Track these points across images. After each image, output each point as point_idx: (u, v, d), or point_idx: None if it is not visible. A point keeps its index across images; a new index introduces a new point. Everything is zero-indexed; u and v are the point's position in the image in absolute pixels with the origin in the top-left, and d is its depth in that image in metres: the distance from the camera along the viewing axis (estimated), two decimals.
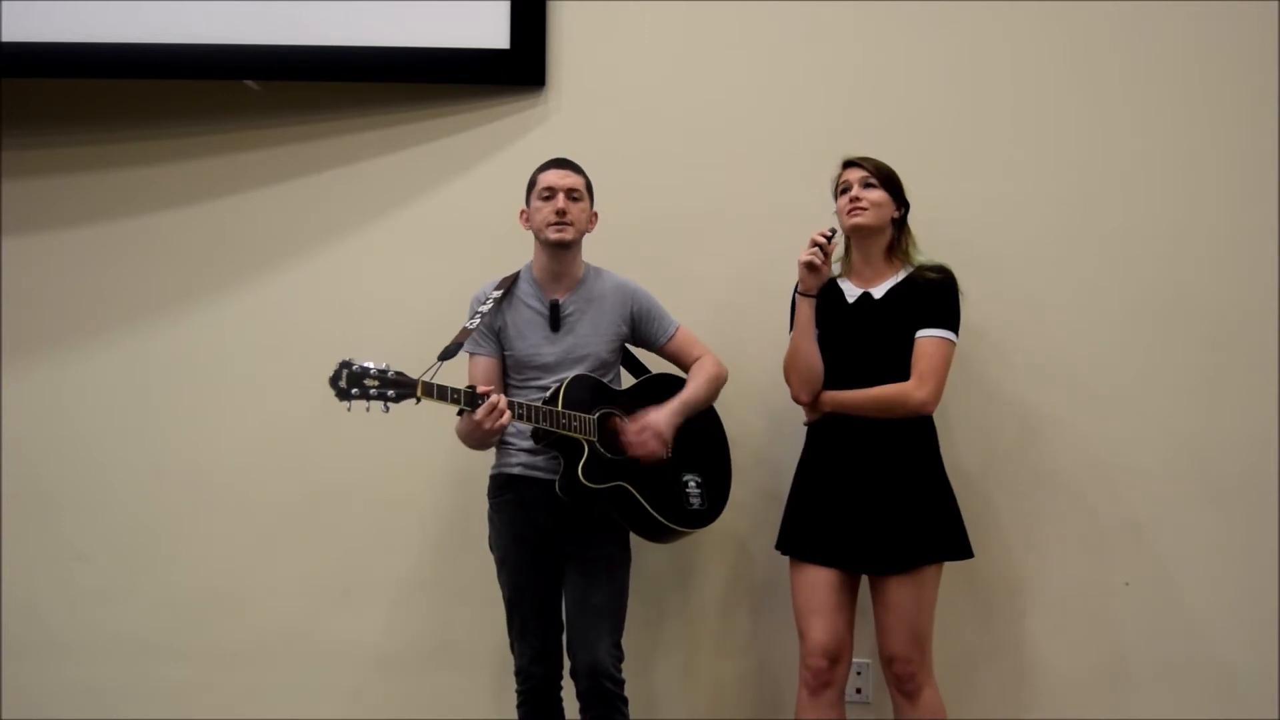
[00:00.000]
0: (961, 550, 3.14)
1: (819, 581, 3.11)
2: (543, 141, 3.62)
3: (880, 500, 3.06)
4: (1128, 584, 3.51)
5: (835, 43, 3.67)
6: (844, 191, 3.18)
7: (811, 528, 3.14)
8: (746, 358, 3.51)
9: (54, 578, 3.79)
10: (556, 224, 3.15)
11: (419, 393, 2.90)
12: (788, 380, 3.20)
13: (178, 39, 3.64)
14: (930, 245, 3.23)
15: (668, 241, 3.64)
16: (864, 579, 3.16)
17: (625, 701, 3.11)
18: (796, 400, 3.21)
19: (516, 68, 3.68)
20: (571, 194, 3.17)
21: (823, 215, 3.26)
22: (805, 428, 3.25)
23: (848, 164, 3.20)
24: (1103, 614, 3.52)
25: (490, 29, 3.66)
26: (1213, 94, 3.55)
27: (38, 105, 3.83)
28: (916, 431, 3.12)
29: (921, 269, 3.16)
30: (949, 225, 3.37)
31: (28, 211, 3.84)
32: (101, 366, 3.81)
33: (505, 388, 3.20)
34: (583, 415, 3.08)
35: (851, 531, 3.07)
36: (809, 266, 3.09)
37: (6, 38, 3.62)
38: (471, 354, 3.21)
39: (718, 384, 3.30)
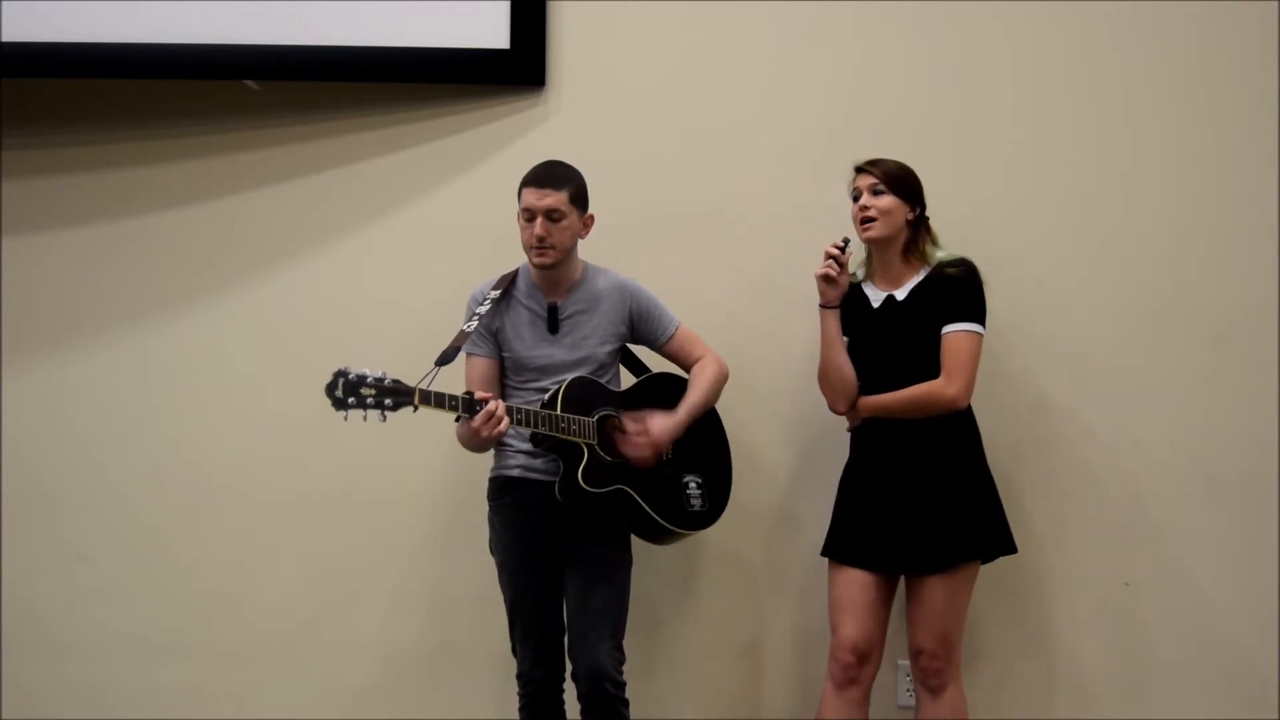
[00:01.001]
0: (1002, 546, 3.15)
1: (854, 580, 3.13)
2: (543, 141, 3.61)
3: (919, 501, 3.07)
4: (1128, 584, 3.51)
5: (836, 43, 3.67)
6: (856, 199, 3.17)
7: (853, 531, 3.15)
8: (747, 358, 3.50)
9: (54, 578, 3.78)
10: (537, 249, 3.10)
11: (416, 401, 2.87)
12: (823, 393, 3.21)
13: (178, 39, 3.63)
14: None
15: (668, 242, 3.64)
16: (901, 580, 3.17)
17: (626, 704, 3.10)
18: (834, 411, 3.23)
19: (516, 68, 3.67)
20: (551, 215, 3.09)
21: (823, 215, 3.27)
22: (849, 434, 3.26)
23: (857, 169, 3.20)
24: (1111, 615, 3.53)
25: (490, 29, 3.66)
26: (1213, 94, 3.56)
27: (38, 105, 3.83)
28: (956, 429, 3.13)
29: (941, 265, 3.17)
30: (949, 225, 3.36)
31: (28, 211, 3.83)
32: (101, 366, 3.80)
33: (503, 389, 3.19)
34: (582, 418, 3.07)
35: (890, 534, 3.09)
36: (825, 279, 3.10)
37: (6, 38, 3.61)
38: (469, 354, 3.19)
39: (720, 384, 3.28)
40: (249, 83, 3.72)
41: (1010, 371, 3.55)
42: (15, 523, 3.80)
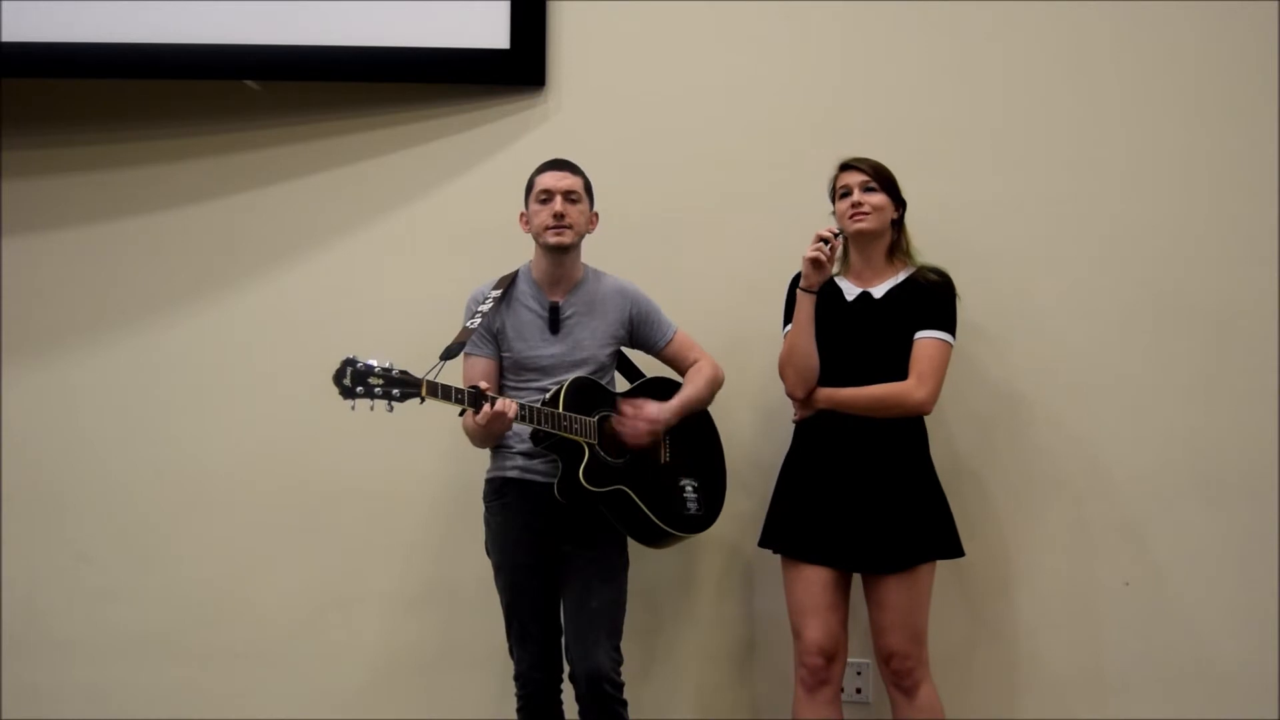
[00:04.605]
0: (954, 549, 3.15)
1: (813, 580, 3.12)
2: (543, 141, 3.62)
3: (873, 499, 3.07)
4: (1128, 584, 3.51)
5: (834, 42, 3.67)
6: (844, 195, 3.17)
7: (804, 526, 3.14)
8: (744, 357, 3.51)
9: (55, 577, 3.79)
10: (555, 228, 3.13)
11: (423, 392, 2.87)
12: (783, 375, 3.19)
13: (178, 39, 3.63)
14: (928, 245, 3.24)
15: (666, 241, 3.64)
16: (856, 576, 3.17)
17: (624, 705, 3.10)
18: (791, 396, 3.21)
19: (516, 68, 3.68)
20: (569, 196, 3.14)
21: (822, 215, 3.27)
22: (794, 425, 3.25)
23: (845, 166, 3.20)
24: (1099, 613, 3.53)
25: (490, 29, 3.66)
26: (1213, 94, 3.55)
27: (38, 105, 3.83)
28: (907, 431, 3.13)
29: (923, 270, 3.17)
30: (946, 225, 3.37)
31: (28, 211, 3.83)
32: (102, 366, 3.81)
33: (502, 389, 3.19)
34: (583, 418, 3.08)
35: (845, 530, 3.08)
36: (814, 263, 3.08)
37: (6, 38, 3.62)
38: (468, 355, 3.19)
39: (715, 386, 3.29)
40: (249, 83, 3.72)
41: (1007, 371, 3.55)
42: (17, 522, 3.81)
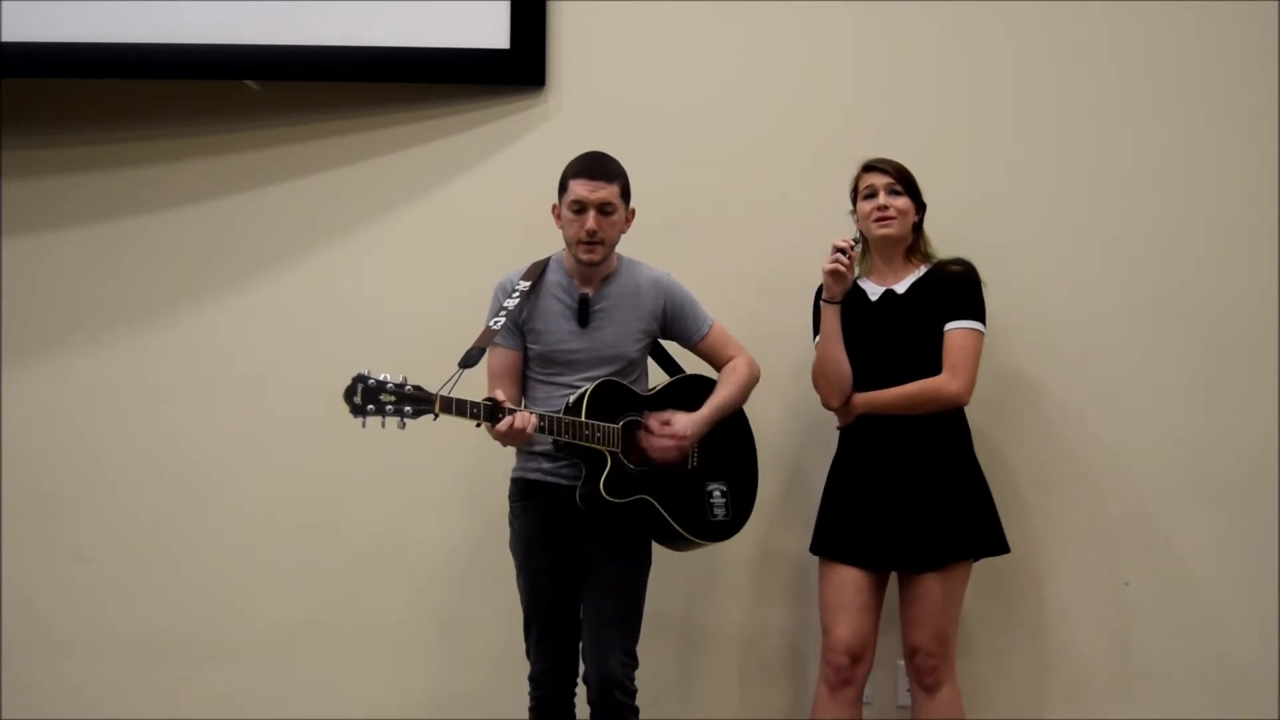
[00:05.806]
0: (996, 546, 3.15)
1: (847, 580, 3.12)
2: (543, 141, 3.62)
3: (913, 498, 3.06)
4: (1128, 584, 3.51)
5: (836, 42, 3.68)
6: (868, 196, 3.16)
7: (843, 529, 3.14)
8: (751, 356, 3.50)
9: (54, 578, 3.79)
10: (587, 244, 3.01)
11: (437, 408, 2.77)
12: (817, 388, 3.19)
13: (178, 39, 3.63)
14: (932, 244, 3.24)
15: (668, 242, 3.61)
16: (893, 578, 3.17)
17: (635, 712, 3.04)
18: (828, 406, 3.20)
19: (516, 68, 3.68)
20: (603, 209, 2.99)
21: (822, 214, 3.27)
22: (838, 431, 3.24)
23: (869, 167, 3.18)
24: (1099, 613, 3.53)
25: (490, 29, 3.66)
26: (1213, 94, 3.56)
27: (38, 105, 3.83)
28: (949, 428, 3.12)
29: (943, 263, 3.17)
30: (949, 224, 3.36)
31: (28, 211, 3.83)
32: (102, 366, 3.80)
33: (526, 381, 3.11)
34: (607, 425, 2.99)
35: (883, 531, 3.08)
36: (834, 275, 3.07)
37: (6, 38, 3.62)
38: (492, 344, 3.04)
39: (750, 385, 3.18)
40: (249, 83, 3.72)
41: (1009, 370, 3.55)
42: (15, 523, 3.80)
